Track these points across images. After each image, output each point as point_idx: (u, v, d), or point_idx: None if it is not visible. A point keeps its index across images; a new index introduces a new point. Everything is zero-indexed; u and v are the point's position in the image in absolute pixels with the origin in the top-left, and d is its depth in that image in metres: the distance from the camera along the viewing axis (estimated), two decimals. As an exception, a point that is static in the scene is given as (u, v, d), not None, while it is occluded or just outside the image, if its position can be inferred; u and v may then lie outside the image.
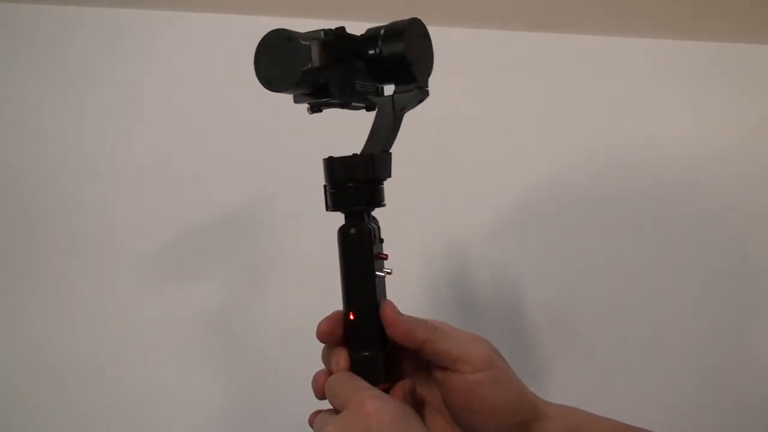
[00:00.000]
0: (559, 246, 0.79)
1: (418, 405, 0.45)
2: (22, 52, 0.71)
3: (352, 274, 0.44)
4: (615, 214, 0.80)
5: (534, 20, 0.82)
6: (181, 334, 0.71)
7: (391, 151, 0.44)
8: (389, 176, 0.45)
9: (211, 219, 0.74)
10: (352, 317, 0.44)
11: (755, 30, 0.84)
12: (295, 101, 0.44)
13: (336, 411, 0.41)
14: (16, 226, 0.70)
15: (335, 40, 0.41)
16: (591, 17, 0.83)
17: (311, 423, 0.42)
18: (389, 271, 0.44)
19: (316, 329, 0.44)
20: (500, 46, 0.81)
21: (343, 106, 0.44)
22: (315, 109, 0.44)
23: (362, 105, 0.46)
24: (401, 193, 0.73)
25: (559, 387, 0.76)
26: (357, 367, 0.43)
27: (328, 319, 0.44)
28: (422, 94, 0.45)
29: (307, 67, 0.39)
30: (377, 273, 0.43)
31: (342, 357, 0.44)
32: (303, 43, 0.40)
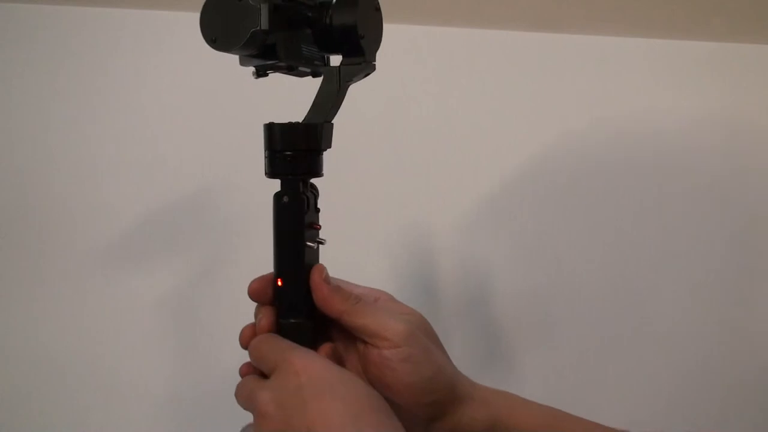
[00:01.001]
0: (544, 239, 0.79)
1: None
2: (22, 52, 0.71)
3: (283, 241, 0.44)
4: (611, 209, 0.80)
5: (533, 20, 0.82)
6: (177, 333, 0.71)
7: (332, 122, 0.44)
8: (329, 147, 0.44)
9: (209, 218, 0.74)
10: (279, 284, 0.44)
11: (755, 30, 0.84)
12: (241, 63, 0.44)
13: (262, 374, 0.41)
14: (15, 225, 0.70)
15: (286, 3, 0.40)
16: (590, 17, 0.83)
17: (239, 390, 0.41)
18: (322, 240, 0.44)
19: (248, 287, 0.44)
20: (499, 46, 0.81)
21: (289, 70, 0.43)
22: (261, 72, 0.44)
23: (308, 70, 0.45)
24: (381, 185, 0.73)
25: (534, 379, 0.76)
26: (283, 334, 0.43)
27: (260, 278, 0.45)
28: (369, 68, 0.44)
29: (255, 29, 0.39)
30: (308, 243, 0.43)
31: (266, 316, 0.44)
32: (252, 3, 0.39)
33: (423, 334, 0.43)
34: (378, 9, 0.45)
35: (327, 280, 0.43)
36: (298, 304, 0.44)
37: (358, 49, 0.43)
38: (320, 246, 0.45)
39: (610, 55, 0.83)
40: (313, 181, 0.45)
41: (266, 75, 0.44)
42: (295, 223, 0.43)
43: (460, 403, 0.43)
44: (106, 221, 0.71)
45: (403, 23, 0.77)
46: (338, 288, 0.43)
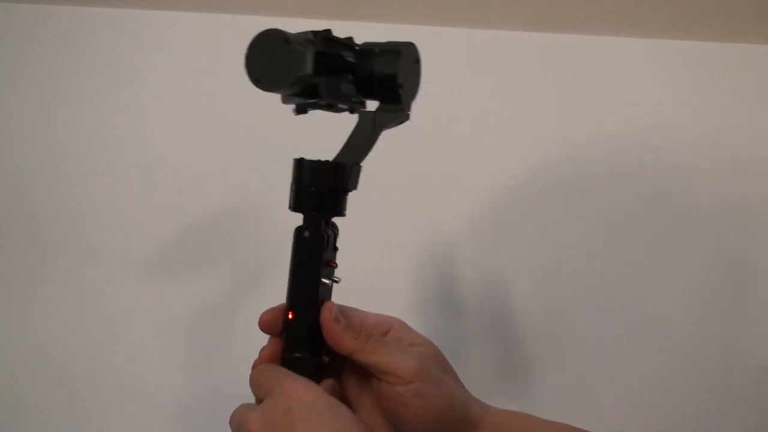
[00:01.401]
0: (544, 239, 0.79)
1: (356, 392, 0.46)
2: (22, 52, 0.71)
3: (298, 275, 0.44)
4: (612, 209, 0.81)
5: (533, 20, 0.82)
6: (177, 332, 0.71)
7: (361, 165, 0.45)
8: (355, 188, 0.45)
9: (208, 218, 0.74)
10: (290, 317, 0.44)
11: (755, 30, 0.84)
12: (283, 101, 0.45)
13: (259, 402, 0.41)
14: (15, 225, 0.70)
15: (329, 50, 0.41)
16: (590, 17, 0.83)
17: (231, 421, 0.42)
18: (337, 279, 0.45)
19: (259, 318, 0.44)
20: (499, 46, 0.81)
21: (329, 107, 0.44)
22: (301, 110, 0.45)
23: (346, 107, 0.46)
24: (381, 185, 0.73)
25: (545, 384, 0.76)
26: (285, 366, 0.43)
27: (272, 309, 0.45)
28: (403, 116, 0.46)
29: (301, 74, 0.39)
30: (322, 280, 0.44)
31: (270, 348, 0.44)
32: (298, 48, 0.40)
33: (434, 365, 0.44)
34: (417, 61, 0.46)
35: (337, 318, 0.43)
36: (304, 339, 0.44)
37: (396, 97, 0.44)
38: (333, 284, 0.45)
39: (610, 55, 0.83)
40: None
41: (306, 112, 0.45)
42: (313, 259, 0.43)
43: (474, 429, 0.44)
44: (106, 221, 0.72)
45: (403, 23, 0.77)
46: (348, 326, 0.43)
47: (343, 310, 0.46)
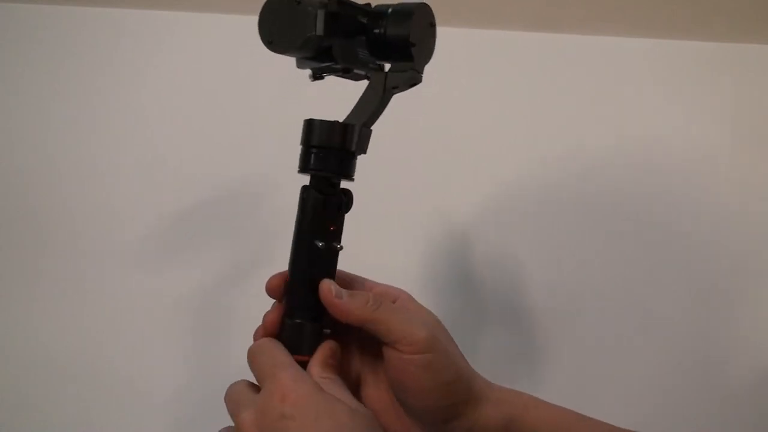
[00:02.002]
0: (545, 239, 0.79)
1: (358, 364, 0.46)
2: (22, 52, 0.72)
3: (296, 235, 0.43)
4: (613, 208, 0.81)
5: (533, 20, 0.82)
6: (177, 332, 0.71)
7: (372, 128, 0.44)
8: (364, 152, 0.44)
9: (208, 218, 0.74)
10: (287, 279, 0.43)
11: (755, 30, 0.84)
12: (298, 66, 0.44)
13: (255, 386, 0.41)
14: (15, 225, 0.70)
15: (340, 11, 0.41)
16: (590, 17, 0.83)
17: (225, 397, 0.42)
18: (337, 245, 0.44)
19: (266, 282, 0.44)
20: (498, 46, 0.82)
21: (345, 72, 0.44)
22: (317, 75, 0.44)
23: (363, 73, 0.45)
24: (405, 176, 0.73)
25: (555, 371, 0.76)
26: (284, 333, 0.43)
27: (280, 274, 0.44)
28: (415, 78, 0.45)
29: (311, 34, 0.39)
30: (317, 242, 0.43)
31: (273, 312, 0.44)
32: (309, 9, 0.39)
33: (442, 336, 0.44)
34: (433, 25, 0.46)
35: (339, 294, 0.42)
36: (303, 304, 0.43)
37: (408, 55, 0.43)
38: (338, 252, 0.44)
39: (610, 55, 0.83)
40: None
41: (322, 78, 0.44)
42: (311, 219, 0.43)
43: (477, 404, 0.44)
44: (107, 221, 0.72)
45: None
46: (353, 296, 0.42)
47: (350, 279, 0.46)
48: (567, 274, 0.79)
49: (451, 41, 0.81)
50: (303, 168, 0.43)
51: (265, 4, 0.41)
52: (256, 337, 0.45)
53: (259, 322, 0.45)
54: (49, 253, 0.70)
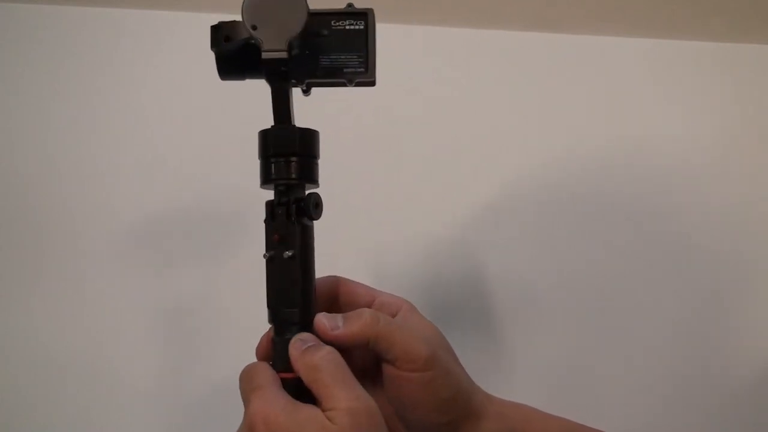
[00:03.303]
0: (558, 237, 0.79)
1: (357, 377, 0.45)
2: (22, 52, 0.72)
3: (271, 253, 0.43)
4: (612, 208, 0.81)
5: (533, 20, 0.82)
6: (177, 332, 0.71)
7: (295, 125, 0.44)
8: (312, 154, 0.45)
9: (208, 218, 0.74)
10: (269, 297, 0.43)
11: (755, 30, 0.84)
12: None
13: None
14: (15, 225, 0.70)
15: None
16: (590, 17, 0.83)
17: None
18: (265, 254, 0.43)
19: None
20: (498, 46, 0.82)
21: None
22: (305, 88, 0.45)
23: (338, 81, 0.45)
24: (379, 187, 0.73)
25: (555, 372, 0.76)
26: (274, 352, 0.43)
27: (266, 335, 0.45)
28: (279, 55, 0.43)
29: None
30: (264, 253, 0.43)
31: (268, 332, 0.44)
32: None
33: (443, 352, 0.43)
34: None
35: (334, 326, 0.41)
36: (284, 320, 0.42)
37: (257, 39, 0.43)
38: (290, 260, 0.42)
39: (610, 55, 0.83)
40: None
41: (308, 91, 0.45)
42: (268, 232, 0.43)
43: (477, 419, 0.43)
44: (106, 221, 0.71)
45: (403, 23, 0.77)
46: (348, 318, 0.42)
47: (352, 288, 0.46)
48: (567, 275, 0.79)
49: (451, 41, 0.82)
50: (263, 181, 0.44)
51: None
52: (257, 349, 0.45)
53: (259, 323, 0.45)
54: (48, 253, 0.70)
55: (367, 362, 0.45)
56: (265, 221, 0.43)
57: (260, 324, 0.61)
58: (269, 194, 0.45)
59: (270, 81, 0.43)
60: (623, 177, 0.82)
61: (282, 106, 0.43)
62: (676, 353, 0.79)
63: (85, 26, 0.73)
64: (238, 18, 0.43)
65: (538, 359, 0.76)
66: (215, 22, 0.45)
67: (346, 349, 0.42)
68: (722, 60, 0.84)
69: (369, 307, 0.45)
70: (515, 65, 0.82)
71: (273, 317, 0.43)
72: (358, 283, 0.47)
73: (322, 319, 0.42)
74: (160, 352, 0.71)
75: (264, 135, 0.44)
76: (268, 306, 0.43)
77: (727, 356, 0.79)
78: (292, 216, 0.43)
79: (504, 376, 0.75)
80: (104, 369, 0.70)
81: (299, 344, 0.40)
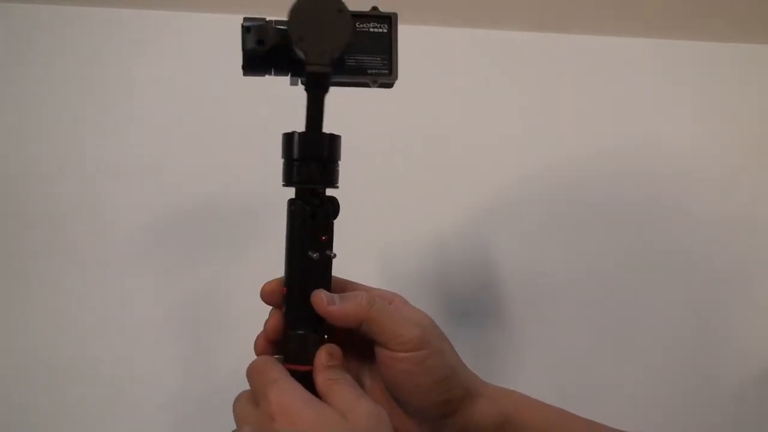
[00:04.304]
0: (558, 238, 0.79)
1: (355, 367, 0.46)
2: (22, 52, 0.72)
3: (288, 249, 0.44)
4: (612, 208, 0.81)
5: (534, 20, 0.82)
6: (176, 332, 0.71)
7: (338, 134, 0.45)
8: (336, 158, 0.45)
9: (206, 218, 0.74)
10: (284, 291, 0.44)
11: (755, 30, 0.84)
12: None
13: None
14: (12, 225, 0.70)
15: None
16: (591, 17, 0.83)
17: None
18: (330, 254, 0.44)
19: (261, 288, 0.45)
20: (499, 46, 0.82)
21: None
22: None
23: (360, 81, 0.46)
24: (379, 186, 0.73)
25: (555, 373, 0.76)
26: (287, 345, 0.44)
27: (274, 280, 0.45)
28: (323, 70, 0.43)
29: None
30: (310, 253, 0.43)
31: (273, 318, 0.45)
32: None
33: (435, 336, 0.44)
34: (342, 11, 0.42)
35: (331, 301, 0.43)
36: (302, 315, 0.44)
37: (297, 50, 0.42)
38: (332, 260, 0.45)
39: (610, 55, 0.83)
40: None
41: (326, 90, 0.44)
42: (301, 231, 0.44)
43: (471, 401, 0.44)
44: (105, 222, 0.71)
45: (402, 23, 0.77)
46: (345, 299, 0.43)
47: (345, 285, 0.47)
48: (576, 274, 0.79)
49: (451, 41, 0.82)
50: (287, 181, 0.44)
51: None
52: (257, 344, 0.46)
53: (258, 324, 0.45)
54: (47, 253, 0.70)
55: (361, 354, 0.46)
56: (302, 221, 0.44)
57: (255, 319, 0.61)
58: (274, 193, 0.45)
59: (309, 90, 0.43)
60: (623, 176, 0.82)
61: (318, 114, 0.43)
62: (686, 353, 0.79)
63: (84, 26, 0.73)
64: (246, 14, 0.43)
65: (546, 357, 0.76)
66: (216, 23, 0.45)
67: (340, 336, 0.44)
68: (722, 60, 0.85)
69: None
70: (515, 65, 0.82)
71: (292, 312, 0.44)
72: (350, 281, 0.48)
73: (320, 294, 0.43)
74: (160, 352, 0.71)
75: (302, 139, 0.43)
76: (289, 300, 0.44)
77: (743, 357, 0.79)
78: (330, 217, 0.44)
79: (511, 373, 0.75)
80: (104, 369, 0.70)
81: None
